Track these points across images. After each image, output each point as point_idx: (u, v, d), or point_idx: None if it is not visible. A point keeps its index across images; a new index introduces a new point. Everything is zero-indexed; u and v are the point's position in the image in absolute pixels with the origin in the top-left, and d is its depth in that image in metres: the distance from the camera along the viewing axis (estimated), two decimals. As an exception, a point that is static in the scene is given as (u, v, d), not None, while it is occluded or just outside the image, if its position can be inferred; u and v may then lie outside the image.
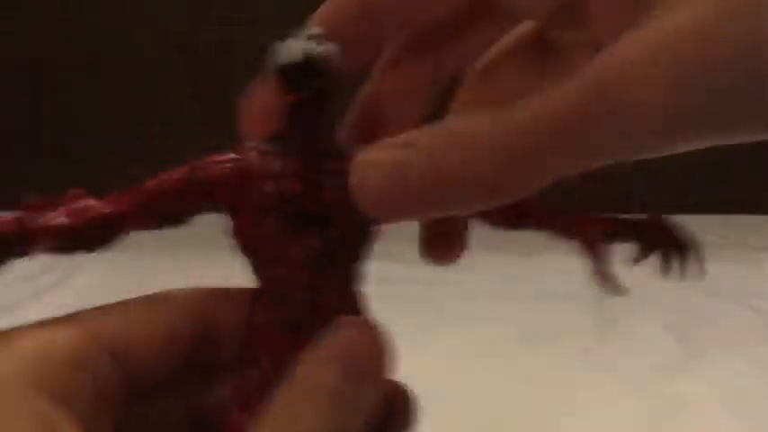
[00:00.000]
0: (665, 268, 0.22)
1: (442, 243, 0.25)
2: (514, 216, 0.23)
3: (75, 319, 0.20)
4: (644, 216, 0.23)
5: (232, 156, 0.21)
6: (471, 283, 0.86)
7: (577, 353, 0.72)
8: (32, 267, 0.98)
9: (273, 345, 0.21)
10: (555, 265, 0.93)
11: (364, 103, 0.24)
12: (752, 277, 0.88)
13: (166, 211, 0.21)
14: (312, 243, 0.21)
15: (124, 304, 0.21)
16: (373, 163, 0.19)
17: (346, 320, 0.20)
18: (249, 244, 0.21)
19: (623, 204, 1.12)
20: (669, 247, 0.22)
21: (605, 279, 0.22)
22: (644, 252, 0.22)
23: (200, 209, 0.21)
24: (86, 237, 0.20)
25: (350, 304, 0.22)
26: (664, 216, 0.23)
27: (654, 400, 0.63)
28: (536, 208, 0.23)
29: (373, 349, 0.20)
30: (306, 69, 0.20)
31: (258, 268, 0.21)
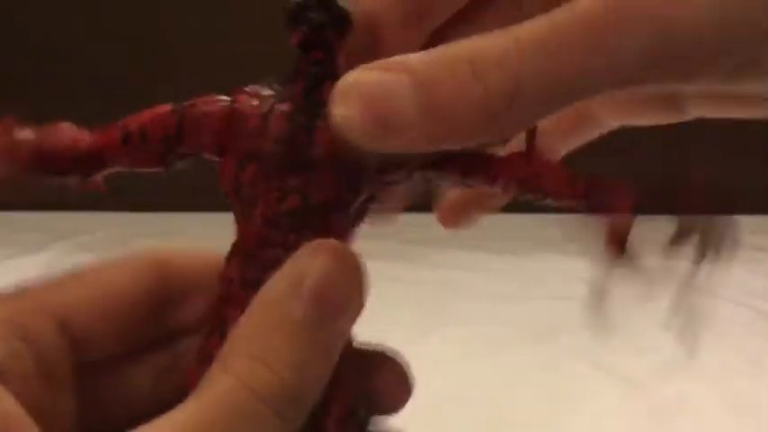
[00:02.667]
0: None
1: (458, 208, 0.24)
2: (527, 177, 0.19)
3: (20, 291, 0.19)
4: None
5: (224, 97, 0.19)
6: (471, 283, 0.86)
7: (577, 353, 0.72)
8: (34, 270, 0.99)
9: (241, 305, 0.18)
10: (555, 265, 0.93)
11: (361, 29, 0.20)
12: (752, 277, 0.88)
13: (147, 151, 0.19)
14: (291, 200, 0.19)
15: (74, 274, 0.20)
16: (357, 86, 0.16)
17: (313, 246, 0.18)
18: (231, 193, 0.19)
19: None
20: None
21: (600, 312, 0.20)
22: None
23: (185, 153, 0.19)
24: (56, 163, 0.19)
25: None
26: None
27: (654, 400, 0.63)
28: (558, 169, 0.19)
29: (343, 277, 0.18)
30: (306, 4, 0.19)
31: (237, 220, 0.19)
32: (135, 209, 1.16)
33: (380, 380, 0.21)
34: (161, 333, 0.21)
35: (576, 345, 0.73)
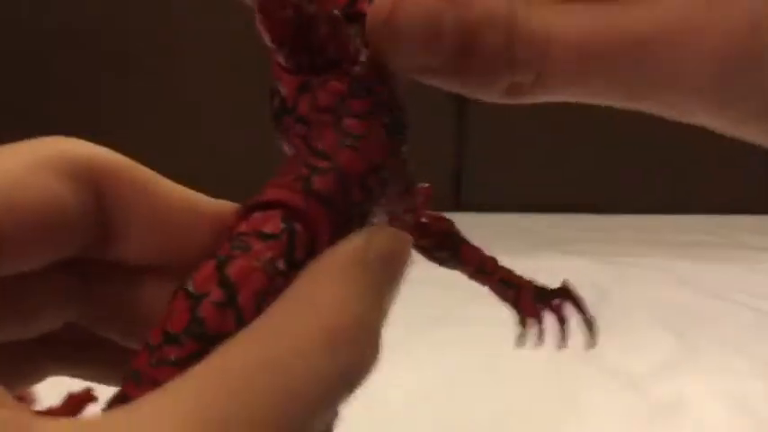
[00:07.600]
0: (561, 336, 0.27)
1: None
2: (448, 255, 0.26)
3: None
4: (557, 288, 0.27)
5: None
6: (471, 283, 0.86)
7: (577, 353, 0.72)
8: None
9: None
10: (555, 265, 0.93)
11: None
12: (752, 277, 0.88)
13: None
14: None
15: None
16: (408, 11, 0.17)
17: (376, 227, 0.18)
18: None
19: (624, 203, 1.12)
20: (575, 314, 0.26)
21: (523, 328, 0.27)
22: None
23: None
24: None
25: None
26: (571, 288, 0.26)
27: (654, 400, 0.63)
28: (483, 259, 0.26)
29: (405, 249, 0.18)
30: None
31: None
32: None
33: None
34: (100, 268, 0.19)
35: (576, 345, 0.73)
